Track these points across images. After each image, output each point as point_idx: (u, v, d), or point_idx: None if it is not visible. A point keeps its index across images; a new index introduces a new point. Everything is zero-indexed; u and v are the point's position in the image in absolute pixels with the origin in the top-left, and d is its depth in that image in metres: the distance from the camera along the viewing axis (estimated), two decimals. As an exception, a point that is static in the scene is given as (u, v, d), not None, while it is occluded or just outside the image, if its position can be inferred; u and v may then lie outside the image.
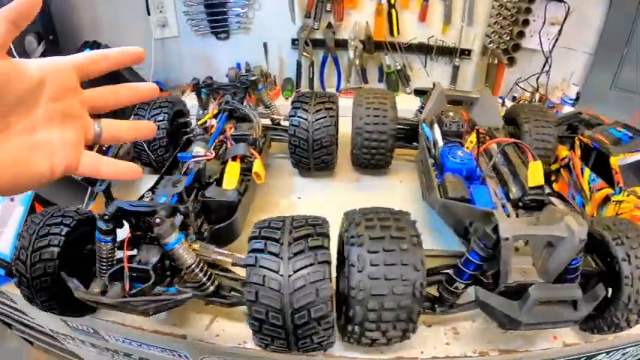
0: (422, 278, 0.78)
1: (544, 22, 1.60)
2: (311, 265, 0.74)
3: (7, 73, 0.35)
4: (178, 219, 0.86)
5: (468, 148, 1.13)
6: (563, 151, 1.42)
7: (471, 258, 0.86)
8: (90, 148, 0.45)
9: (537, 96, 1.79)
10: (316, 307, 0.72)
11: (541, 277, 0.86)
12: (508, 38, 1.64)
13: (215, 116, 1.41)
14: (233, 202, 1.11)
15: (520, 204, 1.03)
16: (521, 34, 1.63)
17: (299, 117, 1.33)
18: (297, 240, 0.78)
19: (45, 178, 0.39)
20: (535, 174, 1.03)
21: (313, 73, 1.77)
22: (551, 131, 1.36)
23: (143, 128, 0.50)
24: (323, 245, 0.77)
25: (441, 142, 1.15)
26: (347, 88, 1.79)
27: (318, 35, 1.71)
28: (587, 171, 1.31)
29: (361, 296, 0.74)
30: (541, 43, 1.65)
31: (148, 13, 1.72)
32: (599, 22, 1.64)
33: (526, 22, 1.60)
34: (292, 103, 1.36)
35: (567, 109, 1.71)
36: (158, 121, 1.39)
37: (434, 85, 1.38)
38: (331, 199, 1.36)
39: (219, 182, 1.17)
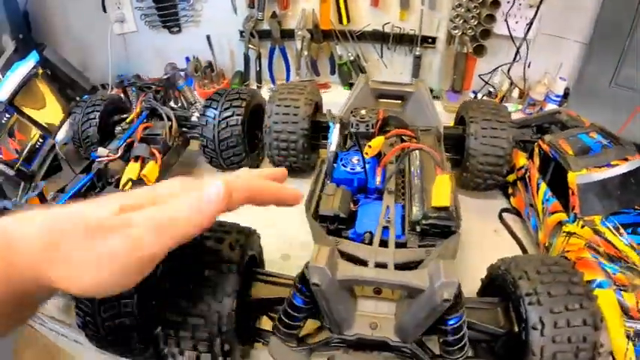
0: (225, 309, 0.65)
1: (513, 2, 1.32)
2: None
3: None
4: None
5: (367, 154, 0.94)
6: (521, 160, 1.16)
7: (293, 301, 0.68)
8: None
9: (516, 91, 1.51)
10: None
11: (397, 335, 0.67)
12: (475, 23, 1.38)
13: (139, 115, 1.35)
14: None
15: (418, 228, 0.84)
16: (490, 18, 1.37)
17: (207, 115, 1.22)
18: None
19: None
20: (441, 191, 0.82)
21: (260, 65, 1.63)
22: (505, 134, 1.11)
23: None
24: None
25: (334, 146, 0.97)
26: (297, 80, 1.63)
27: (265, 26, 1.57)
28: (543, 187, 1.05)
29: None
30: (508, 28, 1.36)
31: (104, 11, 1.69)
32: (595, 5, 1.33)
33: (496, 4, 1.33)
34: (205, 100, 1.26)
35: (551, 108, 1.43)
36: (90, 119, 1.36)
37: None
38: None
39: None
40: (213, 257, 0.69)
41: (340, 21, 1.48)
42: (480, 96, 1.51)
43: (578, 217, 0.93)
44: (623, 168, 0.94)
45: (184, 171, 1.39)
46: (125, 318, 0.71)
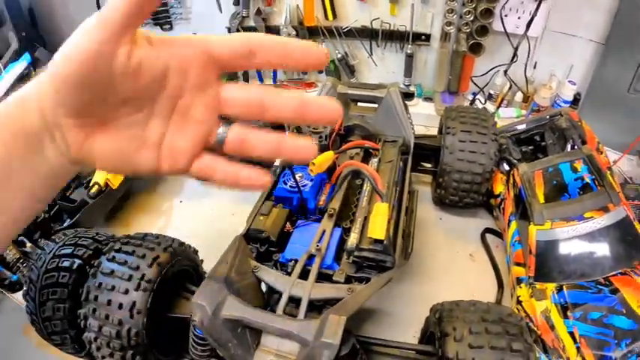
0: (136, 324, 0.68)
1: (509, -5, 1.16)
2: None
3: (122, 71, 0.29)
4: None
5: (311, 171, 0.87)
6: (500, 186, 1.03)
7: (194, 331, 0.65)
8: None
9: (518, 95, 1.35)
10: None
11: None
12: (472, 19, 1.24)
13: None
14: (74, 206, 1.11)
15: (350, 259, 0.76)
16: (488, 13, 1.22)
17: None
18: None
19: (147, 174, 0.35)
20: (377, 221, 0.73)
21: (247, 64, 1.57)
22: (485, 148, 0.99)
23: (291, 148, 0.33)
24: None
25: (277, 160, 0.90)
26: (285, 79, 1.56)
27: (252, 23, 1.50)
28: (513, 226, 0.92)
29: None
30: (503, 24, 1.20)
31: (98, 7, 1.70)
32: (612, 0, 1.14)
33: (493, -4, 1.19)
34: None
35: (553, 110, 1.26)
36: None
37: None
38: (211, 205, 1.24)
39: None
40: (132, 273, 0.71)
41: (326, 17, 1.38)
42: (479, 98, 1.37)
43: (530, 282, 0.79)
44: (595, 223, 0.78)
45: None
46: (58, 320, 0.77)
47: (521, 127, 1.13)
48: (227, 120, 0.34)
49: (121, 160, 0.33)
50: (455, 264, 1.02)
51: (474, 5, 1.22)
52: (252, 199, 1.15)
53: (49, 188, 0.35)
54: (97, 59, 0.27)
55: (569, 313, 0.72)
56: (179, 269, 0.80)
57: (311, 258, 0.73)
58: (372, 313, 0.91)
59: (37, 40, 1.74)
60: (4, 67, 1.60)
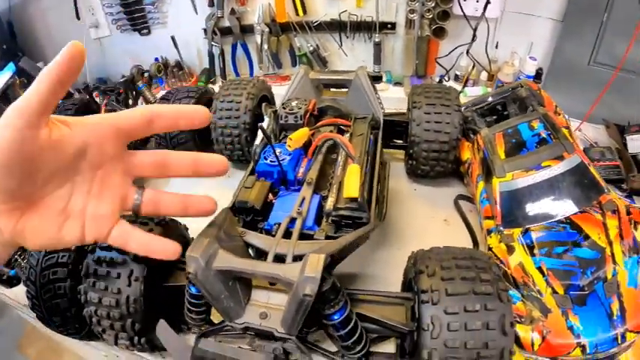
0: (134, 292, 0.71)
1: (464, -21, 1.26)
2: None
3: (45, 147, 0.33)
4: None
5: (289, 146, 0.93)
6: (467, 152, 1.11)
7: (189, 289, 0.70)
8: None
9: (483, 74, 1.44)
10: None
11: (283, 326, 0.67)
12: (433, 5, 1.33)
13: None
14: None
15: (329, 220, 0.82)
16: (447, -2, 1.31)
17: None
18: None
19: (72, 244, 0.38)
20: (351, 182, 0.80)
21: (224, 62, 1.64)
22: (449, 118, 1.06)
23: (196, 204, 0.44)
24: None
25: (258, 139, 0.96)
26: (261, 74, 1.63)
27: (227, 23, 1.57)
28: (480, 185, 0.99)
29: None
30: (461, 7, 1.30)
31: (77, 18, 1.74)
32: None
33: (451, -17, 1.28)
34: (160, 99, 1.29)
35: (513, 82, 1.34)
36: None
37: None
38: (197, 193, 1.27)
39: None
40: None
41: (297, 13, 1.46)
42: (446, 79, 1.45)
43: (498, 230, 0.86)
44: (552, 170, 0.85)
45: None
46: (60, 299, 0.80)
47: (485, 100, 1.22)
48: (140, 187, 0.39)
49: (49, 235, 0.36)
50: (430, 229, 1.09)
51: (433, -9, 1.30)
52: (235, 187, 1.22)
53: None
54: (20, 143, 0.31)
55: (535, 251, 0.79)
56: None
57: (293, 221, 0.79)
58: (353, 277, 0.96)
59: (17, 51, 1.77)
60: (-11, 79, 1.62)
